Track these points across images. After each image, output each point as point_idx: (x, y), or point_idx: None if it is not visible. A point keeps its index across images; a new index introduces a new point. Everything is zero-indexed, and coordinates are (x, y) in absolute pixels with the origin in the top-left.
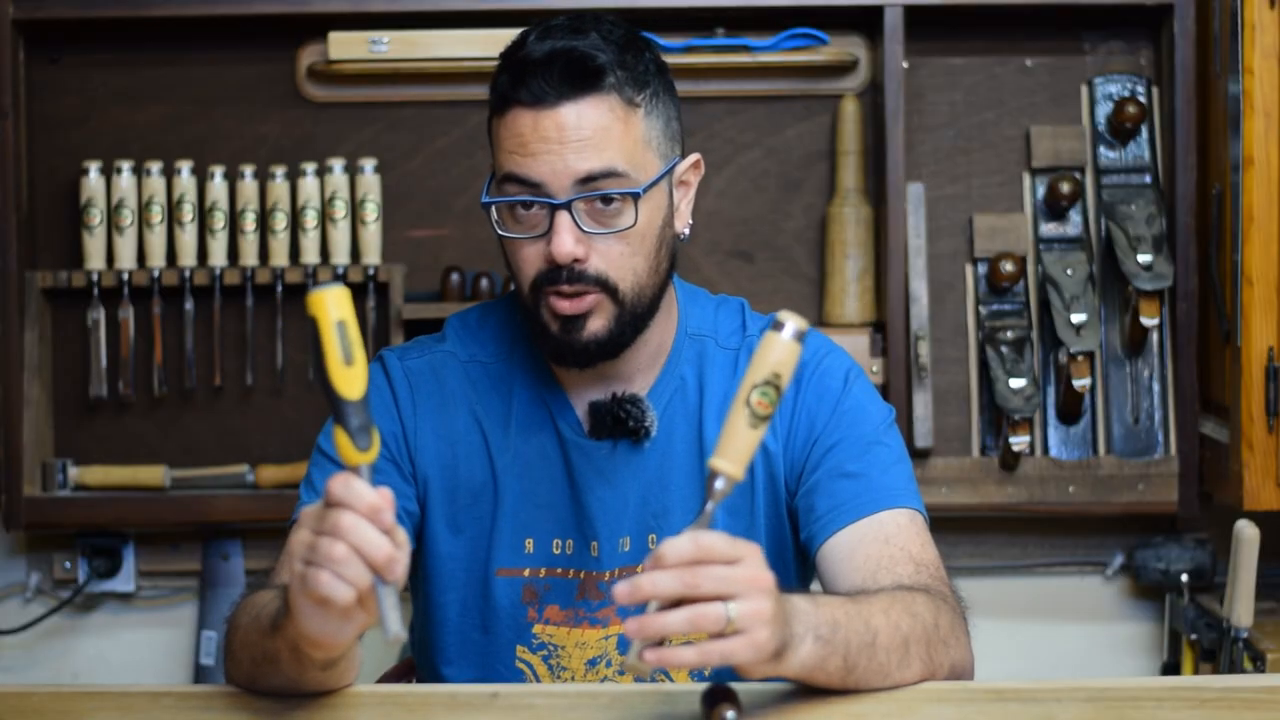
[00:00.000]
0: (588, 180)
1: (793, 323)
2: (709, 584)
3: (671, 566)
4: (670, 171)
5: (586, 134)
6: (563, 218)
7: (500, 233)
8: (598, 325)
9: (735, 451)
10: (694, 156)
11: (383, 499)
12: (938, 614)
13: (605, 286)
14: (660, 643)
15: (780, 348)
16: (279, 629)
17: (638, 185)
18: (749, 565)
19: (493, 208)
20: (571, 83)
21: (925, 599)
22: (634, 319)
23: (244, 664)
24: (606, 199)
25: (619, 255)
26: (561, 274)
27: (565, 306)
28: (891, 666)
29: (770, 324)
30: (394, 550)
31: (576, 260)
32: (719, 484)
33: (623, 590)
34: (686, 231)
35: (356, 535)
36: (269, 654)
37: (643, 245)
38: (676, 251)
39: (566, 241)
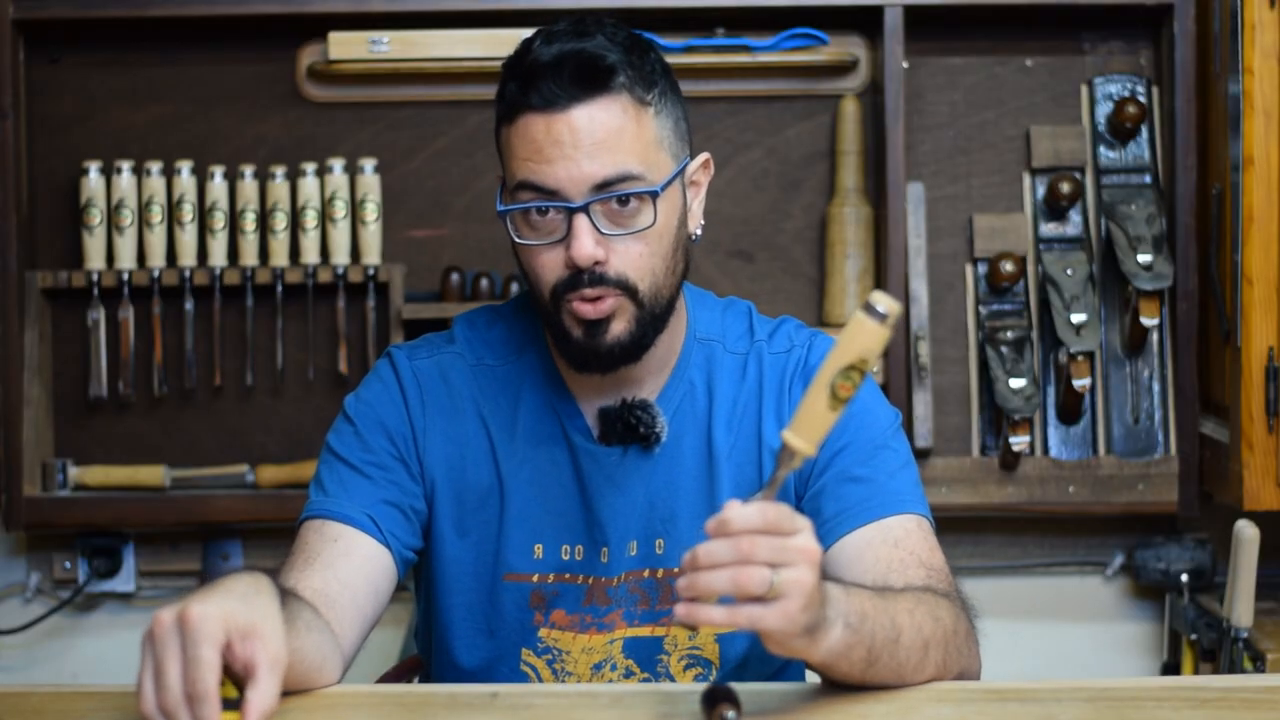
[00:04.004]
0: (604, 185)
1: (884, 305)
2: (763, 552)
3: (736, 534)
4: (682, 171)
5: (600, 136)
6: (581, 221)
7: (517, 240)
8: (620, 329)
9: (811, 430)
10: (704, 156)
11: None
12: (958, 621)
13: (626, 288)
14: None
15: (870, 332)
16: None
17: (654, 185)
18: (804, 537)
19: (508, 216)
20: (582, 84)
21: (949, 605)
22: (654, 320)
23: None
24: (623, 200)
25: (638, 256)
26: (583, 278)
27: (588, 310)
28: (909, 666)
29: (863, 306)
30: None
31: (597, 263)
32: (791, 458)
33: (686, 557)
34: (699, 232)
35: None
36: None
37: (660, 245)
38: (690, 253)
39: (586, 244)
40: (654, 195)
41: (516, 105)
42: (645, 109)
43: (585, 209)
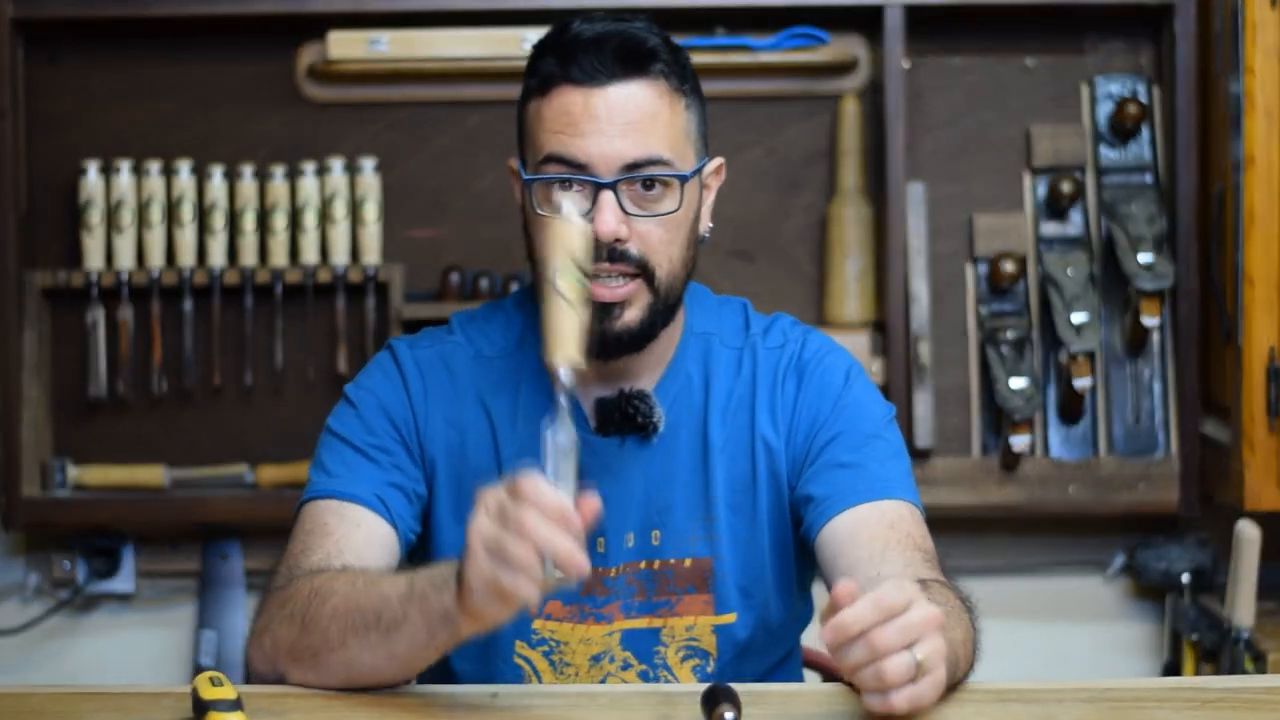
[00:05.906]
0: (634, 166)
1: (568, 203)
2: (895, 639)
3: (856, 633)
4: (701, 169)
5: (634, 116)
6: (607, 197)
7: (539, 213)
8: (632, 316)
9: (562, 338)
10: (719, 160)
11: (568, 506)
12: (967, 630)
13: (644, 269)
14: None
15: (568, 230)
16: (420, 599)
17: (682, 171)
18: (920, 607)
19: (531, 189)
20: (624, 62)
21: (958, 608)
22: (665, 309)
23: (325, 632)
24: (648, 184)
25: (658, 240)
26: (601, 253)
27: (604, 294)
28: (961, 659)
29: (559, 212)
30: (577, 551)
31: (618, 240)
32: (562, 375)
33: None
34: (708, 235)
35: (542, 536)
36: (392, 621)
37: (679, 233)
38: (698, 253)
39: (610, 220)
40: (681, 181)
41: (553, 78)
42: (679, 98)
43: (613, 186)
